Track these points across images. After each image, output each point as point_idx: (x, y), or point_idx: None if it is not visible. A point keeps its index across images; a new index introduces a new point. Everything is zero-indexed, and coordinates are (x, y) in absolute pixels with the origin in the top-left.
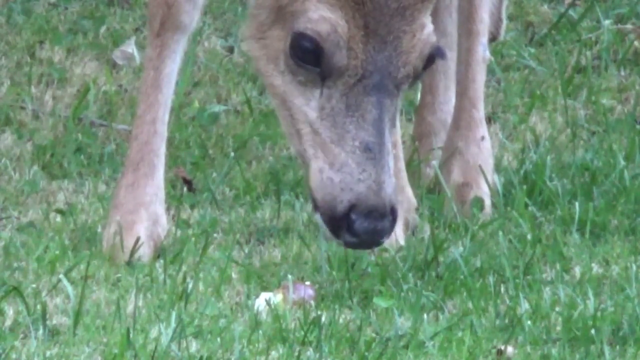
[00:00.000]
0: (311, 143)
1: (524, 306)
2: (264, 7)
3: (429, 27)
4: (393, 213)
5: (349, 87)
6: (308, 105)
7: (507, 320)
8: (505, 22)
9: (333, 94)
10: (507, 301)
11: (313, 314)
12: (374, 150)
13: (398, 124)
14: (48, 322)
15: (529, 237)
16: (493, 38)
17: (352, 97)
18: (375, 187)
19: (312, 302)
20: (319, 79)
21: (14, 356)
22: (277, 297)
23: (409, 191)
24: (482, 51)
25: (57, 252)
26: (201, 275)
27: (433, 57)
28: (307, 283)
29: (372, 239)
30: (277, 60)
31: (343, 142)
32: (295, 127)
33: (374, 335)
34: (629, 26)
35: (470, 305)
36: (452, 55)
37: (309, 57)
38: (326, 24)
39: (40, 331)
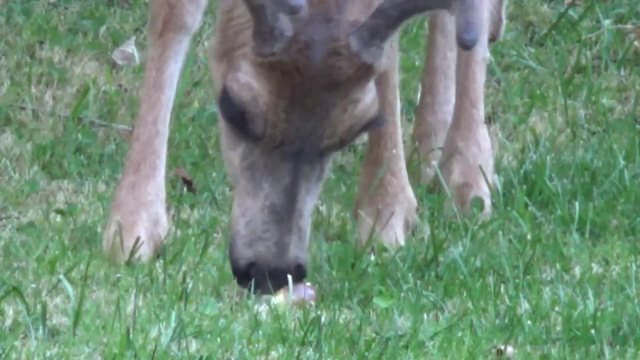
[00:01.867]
0: (235, 185)
1: (524, 306)
2: (220, 34)
3: (366, 101)
4: (299, 271)
5: (268, 151)
6: (234, 150)
7: (507, 320)
8: (504, 22)
9: (254, 150)
10: (507, 301)
11: (313, 314)
12: (281, 214)
13: (399, 124)
14: (48, 322)
15: (529, 237)
16: (493, 38)
17: (269, 159)
18: (276, 249)
19: (313, 303)
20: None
21: (14, 356)
22: (277, 299)
23: (409, 191)
24: (482, 51)
25: (57, 252)
26: (201, 275)
27: (368, 127)
28: (308, 284)
29: (266, 290)
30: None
31: (256, 198)
32: (226, 163)
33: (373, 335)
34: (629, 26)
35: (470, 305)
36: (452, 56)
37: (232, 115)
38: (249, 91)
39: (40, 331)
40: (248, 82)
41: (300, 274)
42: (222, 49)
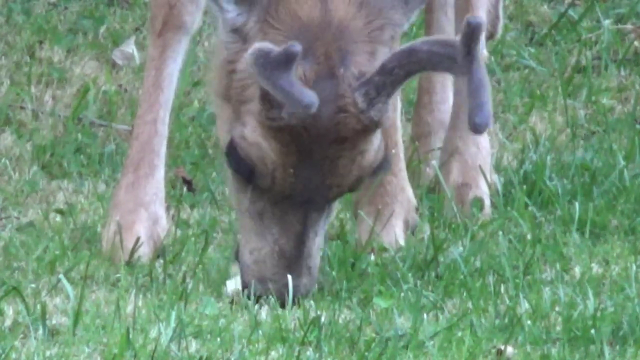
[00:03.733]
0: (242, 224)
1: (524, 306)
2: (223, 77)
3: (373, 151)
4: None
5: (276, 201)
6: (244, 192)
7: (507, 320)
8: (502, 19)
9: (263, 196)
10: (507, 301)
11: (312, 314)
12: (290, 259)
13: (399, 124)
14: (48, 322)
15: (528, 237)
16: (490, 36)
17: (278, 208)
18: (283, 290)
19: None
20: None
21: (13, 356)
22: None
23: (409, 191)
24: (480, 50)
25: (57, 252)
26: (201, 275)
27: (376, 173)
28: None
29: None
30: (227, 133)
31: (265, 242)
32: (233, 201)
33: (373, 335)
34: (629, 26)
35: (470, 305)
36: None
37: (240, 168)
38: (258, 150)
39: (40, 331)
40: (256, 141)
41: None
42: (228, 94)
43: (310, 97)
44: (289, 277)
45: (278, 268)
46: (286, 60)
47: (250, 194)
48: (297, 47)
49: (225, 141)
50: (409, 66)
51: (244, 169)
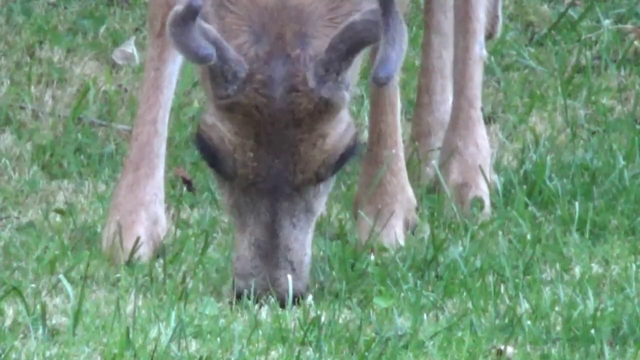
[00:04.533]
0: (231, 220)
1: (524, 306)
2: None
3: (336, 133)
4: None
5: (244, 188)
6: (223, 188)
7: (507, 320)
8: (501, 19)
9: (236, 188)
10: (507, 301)
11: (312, 314)
12: (266, 250)
13: (398, 123)
14: (48, 322)
15: (528, 237)
16: (489, 35)
17: (248, 197)
18: (265, 283)
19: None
20: None
21: (13, 356)
22: None
23: (409, 191)
24: (479, 49)
25: (57, 252)
26: (201, 275)
27: (346, 158)
28: None
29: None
30: None
31: (244, 234)
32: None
33: (373, 335)
34: (629, 26)
35: (470, 305)
36: (447, 55)
37: (206, 155)
38: (216, 133)
39: (40, 331)
40: (214, 124)
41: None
42: (203, 86)
43: (206, 49)
44: (289, 277)
45: (256, 261)
46: (187, 15)
47: (227, 187)
48: (198, 2)
49: None
50: (349, 40)
51: (208, 154)
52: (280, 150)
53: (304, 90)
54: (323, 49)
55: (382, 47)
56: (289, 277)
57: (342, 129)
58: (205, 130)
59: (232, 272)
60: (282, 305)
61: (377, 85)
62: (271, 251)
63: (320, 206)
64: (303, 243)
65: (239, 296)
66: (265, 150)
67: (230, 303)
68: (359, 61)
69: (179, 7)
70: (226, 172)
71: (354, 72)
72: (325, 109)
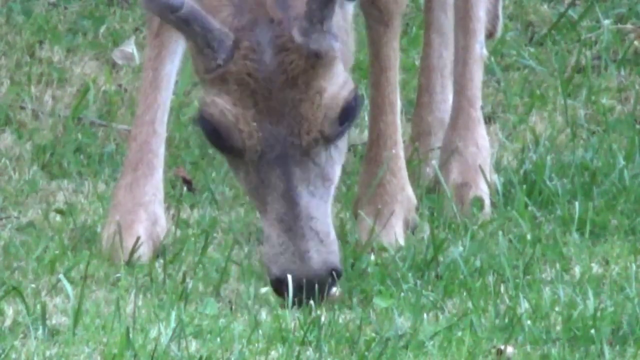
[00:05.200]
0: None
1: (524, 306)
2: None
3: (333, 88)
4: (334, 275)
5: (256, 163)
6: (238, 173)
7: (507, 320)
8: (501, 18)
9: (249, 168)
10: (507, 301)
11: (313, 314)
12: (289, 222)
13: (398, 123)
14: (48, 322)
15: (528, 237)
16: (490, 35)
17: (261, 172)
18: (298, 259)
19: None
20: None
21: (13, 356)
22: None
23: (409, 190)
24: (479, 49)
25: (57, 252)
26: (201, 275)
27: (349, 112)
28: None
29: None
30: None
31: (265, 214)
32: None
33: (373, 335)
34: (629, 26)
35: (470, 305)
36: (448, 54)
37: (210, 135)
38: (215, 107)
39: (40, 331)
40: (213, 100)
41: (336, 278)
42: (196, 70)
43: None
44: (289, 277)
45: (282, 237)
46: None
47: (242, 170)
48: None
49: None
50: None
51: (213, 133)
52: (281, 114)
53: (292, 47)
54: (302, 8)
55: None
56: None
57: (338, 82)
58: (206, 108)
59: (262, 258)
60: (317, 285)
61: None
62: (294, 222)
63: (336, 174)
64: (325, 212)
65: (278, 286)
66: (266, 116)
67: (230, 302)
68: (350, 9)
69: None
70: (234, 147)
71: (346, 21)
72: (317, 62)
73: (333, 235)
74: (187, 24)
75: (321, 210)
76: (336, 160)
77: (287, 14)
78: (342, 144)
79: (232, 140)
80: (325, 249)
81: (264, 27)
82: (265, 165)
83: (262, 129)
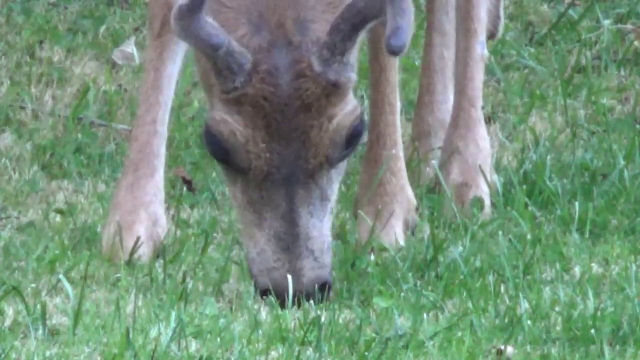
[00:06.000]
0: (241, 220)
1: (524, 306)
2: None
3: (342, 114)
4: (323, 289)
5: (259, 181)
6: (235, 186)
7: (506, 320)
8: (503, 19)
9: (249, 184)
10: (507, 301)
11: (312, 314)
12: (286, 241)
13: (398, 123)
14: (48, 322)
15: (528, 237)
16: (491, 35)
17: (264, 190)
18: (292, 275)
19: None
20: None
21: (13, 356)
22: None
23: (408, 191)
24: (480, 49)
25: (57, 252)
26: (201, 275)
27: (354, 137)
28: None
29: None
30: None
31: (261, 229)
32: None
33: (373, 335)
34: (629, 26)
35: (470, 305)
36: (449, 55)
37: (217, 151)
38: (226, 126)
39: (40, 331)
40: (224, 119)
41: (327, 291)
42: (205, 85)
43: (218, 37)
44: (289, 277)
45: (277, 254)
46: (193, 5)
47: (240, 184)
48: None
49: None
50: (352, 19)
51: (220, 151)
52: (291, 138)
53: (310, 75)
54: (323, 33)
55: (391, 18)
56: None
57: (348, 109)
58: (214, 126)
59: (251, 270)
60: (308, 298)
61: (391, 54)
62: (292, 242)
63: (334, 193)
64: (321, 231)
65: (264, 294)
66: (276, 140)
67: (230, 302)
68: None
69: (183, 1)
70: (240, 166)
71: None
72: (333, 91)
73: (327, 248)
74: (214, 50)
75: (317, 228)
76: (334, 181)
77: (305, 37)
78: (343, 164)
79: (238, 160)
80: (317, 265)
81: (282, 49)
82: (269, 186)
83: (271, 150)
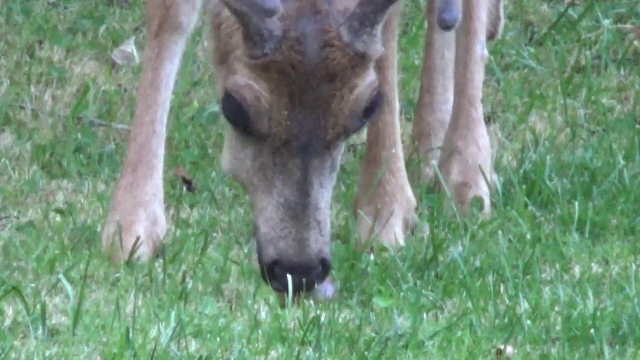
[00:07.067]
0: (248, 187)
1: (524, 306)
2: (214, 38)
3: (363, 85)
4: (324, 265)
5: (276, 149)
6: (244, 152)
7: (506, 320)
8: (503, 20)
9: (263, 150)
10: (507, 301)
11: (312, 314)
12: (296, 210)
13: (398, 123)
14: (48, 322)
15: (528, 237)
16: (491, 36)
17: (278, 157)
18: (298, 245)
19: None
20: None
21: (13, 356)
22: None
23: (408, 191)
24: (481, 50)
25: (57, 252)
26: (201, 275)
27: (372, 109)
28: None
29: (298, 290)
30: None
31: (271, 197)
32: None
33: (373, 335)
34: (629, 26)
35: (469, 305)
36: (450, 55)
37: (237, 117)
38: (251, 92)
39: (40, 331)
40: (249, 84)
41: (325, 268)
42: (219, 53)
43: (272, 2)
44: (289, 277)
45: (285, 223)
46: None
47: (252, 151)
48: None
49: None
50: None
51: (241, 116)
52: (312, 107)
53: (338, 45)
54: (348, 2)
55: None
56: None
57: (368, 80)
58: (238, 91)
59: (257, 238)
60: (308, 272)
61: (445, 29)
62: (302, 211)
63: (338, 167)
64: (327, 203)
65: (270, 266)
66: (299, 107)
67: (230, 302)
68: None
69: None
70: (260, 132)
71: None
72: (360, 63)
73: (329, 226)
74: (246, 14)
75: (325, 200)
76: (342, 150)
77: (332, 7)
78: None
79: (259, 125)
80: (322, 240)
81: (311, 18)
82: (284, 153)
83: (292, 119)
